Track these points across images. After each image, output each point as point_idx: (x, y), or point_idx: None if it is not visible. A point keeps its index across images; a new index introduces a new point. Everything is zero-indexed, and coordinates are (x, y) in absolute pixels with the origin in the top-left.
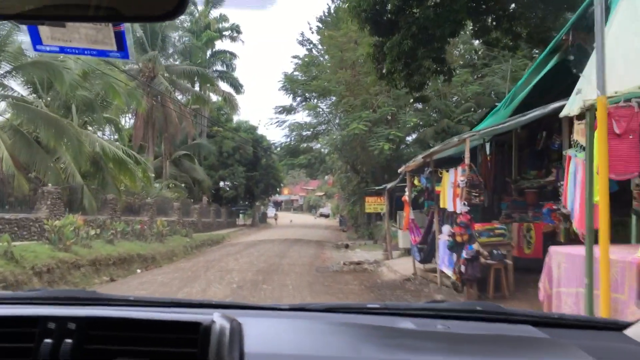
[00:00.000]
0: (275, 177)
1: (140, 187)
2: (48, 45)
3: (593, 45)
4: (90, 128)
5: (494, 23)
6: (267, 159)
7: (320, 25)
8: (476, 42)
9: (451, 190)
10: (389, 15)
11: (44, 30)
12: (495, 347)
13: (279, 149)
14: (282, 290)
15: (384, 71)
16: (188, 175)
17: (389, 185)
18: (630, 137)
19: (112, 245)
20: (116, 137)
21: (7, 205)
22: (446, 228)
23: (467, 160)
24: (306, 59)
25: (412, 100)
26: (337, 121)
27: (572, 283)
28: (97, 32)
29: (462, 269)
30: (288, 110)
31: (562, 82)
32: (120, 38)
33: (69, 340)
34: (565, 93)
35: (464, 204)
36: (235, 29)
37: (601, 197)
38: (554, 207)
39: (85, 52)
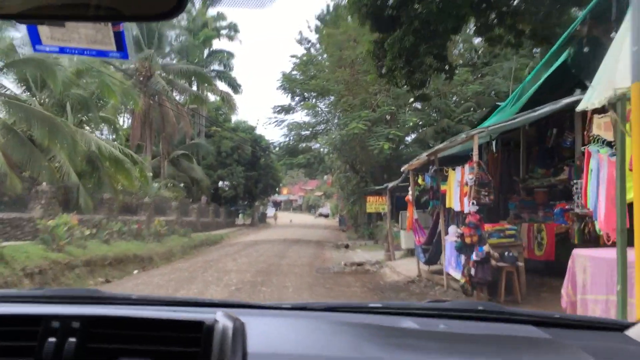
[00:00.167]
0: (274, 177)
1: (137, 186)
2: (48, 45)
3: (610, 36)
4: (87, 128)
5: (497, 19)
6: (265, 159)
7: (319, 23)
8: (476, 40)
9: (458, 189)
10: (390, 11)
11: (44, 30)
12: (497, 347)
13: (277, 148)
14: (281, 293)
15: (384, 69)
16: (186, 175)
17: (390, 185)
18: None
19: (108, 246)
20: (114, 136)
21: (1, 205)
22: (452, 228)
23: (475, 158)
24: (304, 58)
25: (413, 99)
26: (336, 121)
27: (600, 289)
28: (97, 32)
29: (472, 271)
30: (286, 109)
31: (573, 76)
32: (119, 38)
33: (72, 339)
34: (578, 88)
35: (473, 203)
36: (233, 27)
37: (636, 195)
38: (567, 206)
39: (85, 52)
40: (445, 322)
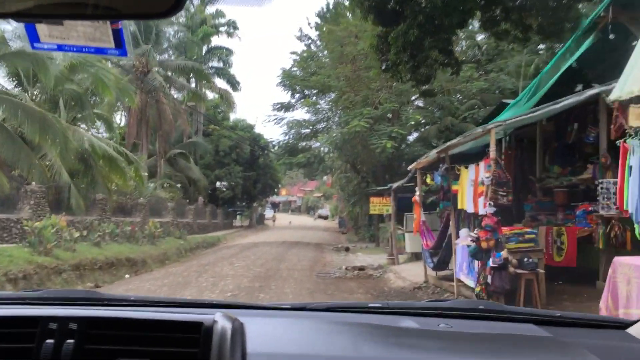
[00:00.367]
0: (273, 177)
1: (132, 186)
2: (46, 43)
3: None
4: (84, 126)
5: (503, 14)
6: (264, 159)
7: (319, 20)
8: (479, 37)
9: (471, 189)
10: (394, 4)
11: (42, 28)
12: (498, 346)
13: (276, 147)
14: (280, 300)
15: (388, 63)
16: (183, 175)
17: (394, 185)
18: None
19: (99, 248)
20: (109, 135)
21: None
22: (464, 232)
23: (492, 154)
24: (304, 54)
25: (417, 95)
26: (337, 118)
27: None
28: (95, 30)
29: (488, 279)
30: (286, 107)
31: (595, 66)
32: (118, 35)
33: (70, 341)
34: (601, 79)
35: (490, 204)
36: (232, 24)
37: None
38: (590, 208)
39: (83, 49)
40: (445, 322)
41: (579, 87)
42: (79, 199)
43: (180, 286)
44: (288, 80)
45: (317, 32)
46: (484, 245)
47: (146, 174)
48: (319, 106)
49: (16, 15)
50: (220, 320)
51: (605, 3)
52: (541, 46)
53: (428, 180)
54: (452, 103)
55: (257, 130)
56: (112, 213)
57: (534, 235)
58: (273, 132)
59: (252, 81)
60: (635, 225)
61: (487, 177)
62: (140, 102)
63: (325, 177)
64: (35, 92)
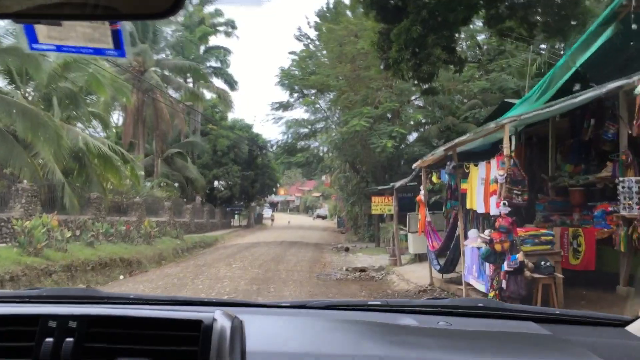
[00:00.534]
0: (271, 177)
1: (128, 185)
2: (44, 43)
3: None
4: (80, 125)
5: (509, 11)
6: (262, 158)
7: (319, 20)
8: (480, 37)
9: (482, 188)
10: (396, 0)
11: (41, 29)
12: (497, 343)
13: (275, 147)
14: None
15: (389, 61)
16: (181, 174)
17: (397, 184)
18: None
19: (92, 249)
20: (105, 134)
21: None
22: (473, 233)
23: (506, 151)
24: (303, 53)
25: (419, 94)
26: (336, 118)
27: None
28: (94, 31)
29: (503, 284)
30: (285, 106)
31: (614, 59)
32: (116, 36)
33: (70, 339)
34: (620, 72)
35: (505, 204)
36: (230, 24)
37: None
38: (610, 208)
39: (82, 50)
40: (444, 319)
41: (592, 84)
42: (73, 198)
43: (175, 288)
44: (287, 79)
45: (317, 32)
46: (498, 247)
47: (142, 172)
48: (318, 105)
49: (15, 16)
50: (220, 318)
51: None
52: (542, 46)
53: (434, 179)
54: (453, 103)
55: (255, 129)
56: (107, 212)
57: (551, 237)
58: (271, 132)
59: (251, 81)
60: None
61: (501, 175)
62: (137, 101)
63: (323, 177)
64: (28, 90)
